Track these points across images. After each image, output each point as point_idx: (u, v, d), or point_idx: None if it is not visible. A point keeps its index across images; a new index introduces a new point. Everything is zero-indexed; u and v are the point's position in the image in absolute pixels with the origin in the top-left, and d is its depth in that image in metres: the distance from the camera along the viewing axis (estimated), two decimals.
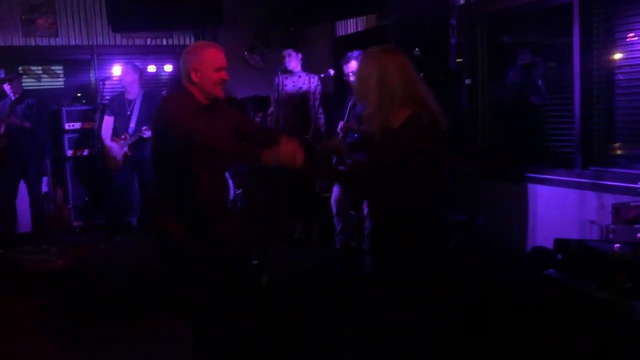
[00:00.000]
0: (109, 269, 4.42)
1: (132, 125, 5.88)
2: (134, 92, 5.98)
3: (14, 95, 6.14)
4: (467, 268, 4.01)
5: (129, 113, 5.92)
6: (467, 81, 3.95)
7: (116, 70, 7.28)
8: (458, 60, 4.01)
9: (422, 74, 4.58)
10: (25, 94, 6.22)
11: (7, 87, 6.13)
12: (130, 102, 5.96)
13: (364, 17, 6.59)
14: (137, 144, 5.86)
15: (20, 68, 7.28)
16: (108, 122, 6.03)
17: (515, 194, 4.85)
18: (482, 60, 5.15)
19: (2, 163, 6.03)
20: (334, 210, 5.21)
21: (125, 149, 5.87)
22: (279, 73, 5.75)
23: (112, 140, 5.96)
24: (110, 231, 6.02)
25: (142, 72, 6.22)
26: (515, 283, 3.72)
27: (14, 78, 6.20)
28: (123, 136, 5.90)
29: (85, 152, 6.64)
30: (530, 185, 4.76)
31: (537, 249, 4.19)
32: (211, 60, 2.81)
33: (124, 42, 7.45)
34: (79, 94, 7.28)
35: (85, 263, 4.61)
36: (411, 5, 3.89)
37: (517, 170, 4.88)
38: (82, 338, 3.99)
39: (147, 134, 5.70)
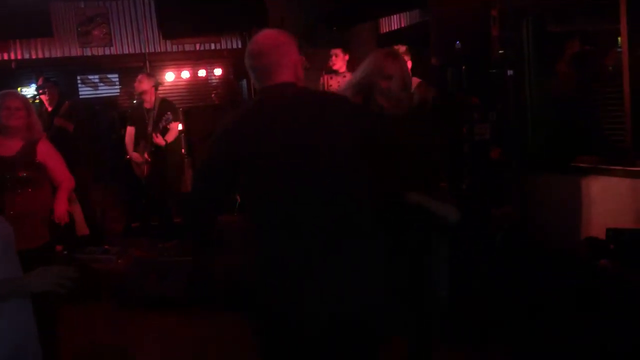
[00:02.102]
0: (170, 268, 4.60)
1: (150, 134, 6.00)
2: (151, 101, 6.09)
3: (49, 105, 6.24)
4: (518, 261, 4.01)
5: (147, 122, 6.05)
6: (510, 72, 3.93)
7: (168, 76, 7.56)
8: (500, 52, 4.01)
9: (464, 67, 4.62)
10: (61, 103, 6.26)
11: (43, 97, 6.25)
12: (148, 111, 6.07)
13: (407, 13, 6.61)
14: (155, 152, 5.97)
15: (78, 77, 7.63)
16: (130, 132, 6.18)
17: (566, 186, 4.78)
18: (527, 51, 5.10)
19: None
20: None
21: (145, 156, 6.01)
22: (324, 73, 5.83)
23: (135, 150, 6.12)
24: (164, 231, 6.23)
25: (157, 81, 6.29)
26: (567, 274, 3.70)
27: (51, 86, 6.25)
28: (142, 144, 6.05)
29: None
30: (581, 176, 4.68)
31: (589, 239, 4.14)
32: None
33: (175, 48, 7.69)
34: (134, 101, 7.57)
35: (146, 262, 4.80)
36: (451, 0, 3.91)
37: (568, 162, 4.82)
38: (145, 334, 4.17)
39: (157, 140, 5.82)
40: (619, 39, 4.31)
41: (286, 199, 1.99)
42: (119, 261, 5.51)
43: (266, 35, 2.21)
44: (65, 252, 5.35)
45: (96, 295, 4.85)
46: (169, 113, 5.91)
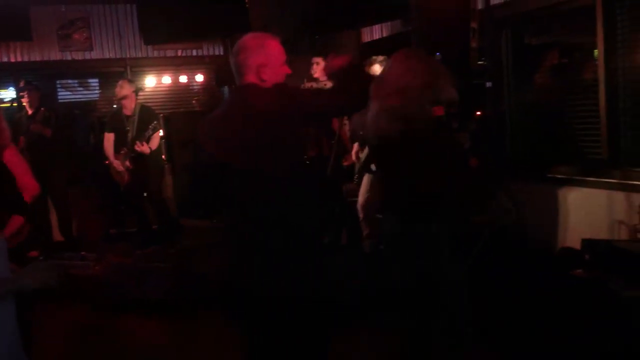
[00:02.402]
0: (147, 274, 4.57)
1: (131, 140, 5.95)
2: (131, 108, 6.04)
3: (30, 108, 6.20)
4: (495, 269, 4.05)
5: (127, 128, 5.99)
6: (489, 84, 3.98)
7: (149, 81, 7.53)
8: (479, 62, 4.06)
9: None
10: (41, 107, 6.22)
11: (23, 100, 6.19)
12: (128, 117, 6.02)
13: (389, 23, 6.66)
14: (137, 159, 5.92)
15: (57, 82, 7.55)
16: (109, 138, 6.11)
17: (542, 195, 4.85)
18: (506, 62, 5.18)
19: None
20: (361, 215, 5.28)
21: (127, 163, 5.96)
22: (305, 81, 5.85)
23: (116, 157, 6.07)
24: (143, 238, 6.19)
25: (138, 87, 6.25)
26: (542, 283, 3.75)
27: (32, 89, 6.22)
28: (122, 151, 5.99)
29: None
30: (558, 186, 4.75)
31: (565, 249, 4.21)
32: (279, 53, 2.53)
33: (156, 54, 7.66)
34: (114, 105, 7.52)
35: (122, 268, 4.76)
36: (432, 11, 3.95)
37: (546, 171, 4.88)
38: (123, 340, 4.13)
39: (142, 149, 5.79)
40: (596, 51, 4.39)
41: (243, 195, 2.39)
42: (96, 267, 5.44)
43: (244, 37, 2.49)
44: (42, 258, 5.29)
45: (72, 301, 4.79)
46: (155, 122, 5.86)
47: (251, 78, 2.42)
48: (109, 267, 5.02)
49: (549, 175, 4.81)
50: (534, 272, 3.83)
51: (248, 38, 2.48)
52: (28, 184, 3.46)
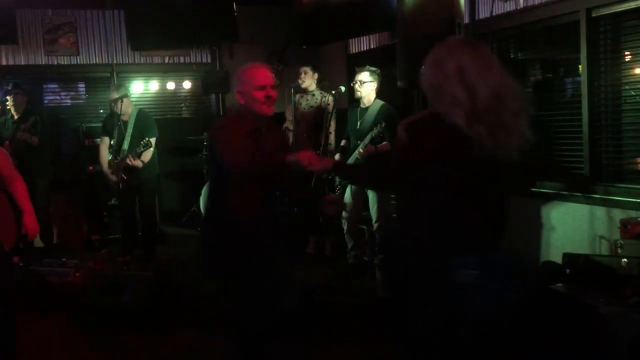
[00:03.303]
0: (126, 282, 4.52)
1: (126, 147, 5.81)
2: (127, 112, 5.88)
3: (16, 112, 6.12)
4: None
5: (123, 134, 5.83)
6: None
7: (136, 87, 7.49)
8: None
9: None
10: (28, 111, 6.16)
11: (9, 102, 6.11)
12: (123, 122, 5.86)
13: (377, 35, 6.70)
14: (131, 170, 5.79)
15: (43, 86, 7.50)
16: (105, 143, 5.97)
17: (525, 209, 4.88)
18: None
19: None
20: (345, 227, 5.28)
21: (121, 173, 5.81)
22: (292, 91, 5.85)
23: (109, 165, 5.92)
24: (125, 245, 6.12)
25: (129, 92, 6.06)
26: (523, 296, 3.75)
27: (18, 93, 6.14)
28: (117, 160, 5.84)
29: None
30: (540, 200, 4.79)
31: (546, 263, 4.22)
32: (252, 79, 2.87)
33: (143, 60, 7.64)
34: (100, 110, 7.48)
35: (102, 276, 4.72)
36: (417, 24, 3.97)
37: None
38: (102, 350, 4.08)
39: (135, 163, 5.68)
40: (579, 67, 4.44)
41: None
42: (77, 274, 5.38)
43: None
44: (21, 264, 5.22)
45: (52, 308, 4.73)
46: (147, 139, 5.72)
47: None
48: (89, 274, 4.96)
49: (533, 190, 4.84)
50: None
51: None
52: (15, 177, 3.48)
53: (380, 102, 5.07)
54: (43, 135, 6.10)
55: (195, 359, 3.89)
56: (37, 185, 6.14)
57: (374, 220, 5.05)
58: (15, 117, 6.15)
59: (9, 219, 3.54)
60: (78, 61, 7.32)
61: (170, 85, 7.79)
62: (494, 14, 4.78)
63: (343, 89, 5.48)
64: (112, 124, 5.90)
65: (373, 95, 5.09)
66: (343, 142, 5.48)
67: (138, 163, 5.69)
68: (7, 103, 6.17)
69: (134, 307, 4.42)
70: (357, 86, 5.08)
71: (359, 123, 5.09)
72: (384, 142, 4.89)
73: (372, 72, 5.08)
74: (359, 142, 5.02)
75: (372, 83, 5.08)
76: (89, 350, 4.08)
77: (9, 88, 6.18)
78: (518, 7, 4.77)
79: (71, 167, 7.00)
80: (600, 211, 4.28)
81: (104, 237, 6.88)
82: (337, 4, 5.83)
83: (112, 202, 6.58)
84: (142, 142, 5.69)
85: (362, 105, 5.13)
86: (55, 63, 7.23)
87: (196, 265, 5.90)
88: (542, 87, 4.96)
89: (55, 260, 5.61)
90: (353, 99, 5.39)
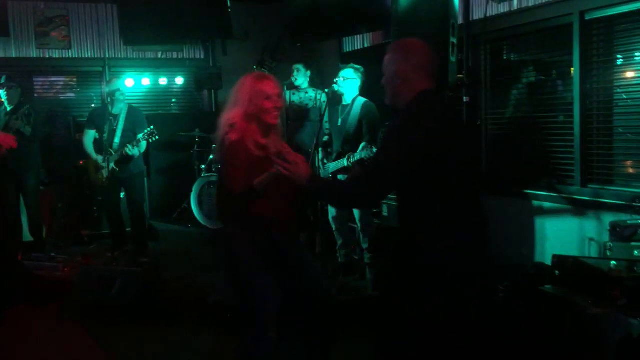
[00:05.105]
0: (115, 277, 4.50)
1: (117, 140, 5.78)
2: (118, 107, 5.87)
3: (9, 104, 6.07)
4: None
5: (114, 128, 5.81)
6: (466, 99, 4.01)
7: (128, 82, 7.45)
8: (459, 76, 4.08)
9: None
10: (21, 104, 6.09)
11: (3, 94, 6.06)
12: (114, 116, 5.84)
13: (371, 34, 6.70)
14: (123, 161, 5.78)
15: (34, 79, 7.45)
16: (89, 135, 5.93)
17: (516, 210, 4.90)
18: (484, 78, 5.24)
19: (0, 173, 5.98)
20: (334, 226, 5.27)
21: (112, 165, 5.79)
22: (285, 88, 5.83)
23: (98, 156, 5.87)
24: (115, 241, 6.09)
25: (120, 88, 5.95)
26: (512, 298, 3.77)
27: (12, 87, 6.10)
28: (105, 152, 5.79)
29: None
30: (531, 202, 4.81)
31: (536, 264, 4.24)
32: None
33: (136, 55, 7.60)
34: (92, 105, 7.44)
35: (91, 271, 4.69)
36: (411, 24, 3.97)
37: (519, 187, 4.93)
38: (90, 344, 4.06)
39: (132, 152, 5.69)
40: (572, 70, 4.46)
41: None
42: (65, 269, 5.36)
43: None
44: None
45: (40, 303, 4.70)
46: (152, 128, 5.71)
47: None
48: (78, 269, 4.94)
49: (523, 191, 4.86)
50: (504, 287, 3.85)
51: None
52: None
53: (362, 100, 5.05)
54: (35, 127, 6.06)
55: (183, 353, 3.87)
56: (28, 178, 6.10)
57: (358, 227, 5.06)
58: (9, 109, 6.11)
59: None
60: (70, 55, 7.28)
61: (163, 81, 7.76)
62: (488, 15, 4.79)
63: (336, 87, 5.46)
64: (102, 118, 5.86)
65: (356, 93, 5.06)
66: (326, 138, 5.41)
67: (136, 152, 5.68)
68: (1, 96, 6.11)
69: (123, 302, 4.40)
70: (340, 82, 5.03)
71: (340, 120, 5.07)
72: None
73: (355, 70, 5.06)
74: (342, 142, 4.98)
75: (355, 81, 5.06)
76: (76, 345, 4.06)
77: (2, 81, 6.13)
78: (512, 9, 4.79)
79: (62, 160, 6.95)
80: (589, 213, 4.31)
81: (93, 232, 6.84)
82: (331, 2, 5.84)
83: (100, 198, 6.54)
84: (146, 131, 5.68)
85: (344, 102, 5.10)
86: (47, 56, 7.18)
87: (186, 261, 5.93)
88: (534, 89, 4.97)
89: (44, 255, 5.59)
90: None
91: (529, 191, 4.83)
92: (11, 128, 5.96)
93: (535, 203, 4.79)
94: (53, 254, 5.64)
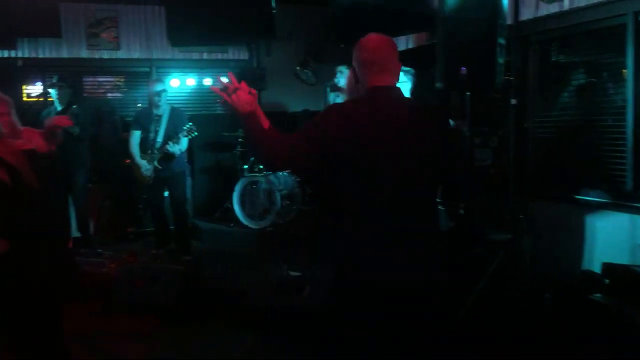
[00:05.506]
0: (158, 276, 4.56)
1: (160, 140, 5.94)
2: (162, 108, 6.02)
3: (60, 104, 6.25)
4: (511, 289, 3.97)
5: (157, 128, 5.98)
6: (513, 101, 3.92)
7: (174, 82, 7.58)
8: (507, 77, 3.99)
9: (468, 93, 4.60)
10: (71, 103, 6.28)
11: (54, 94, 6.25)
12: (158, 117, 6.00)
13: (415, 35, 6.63)
14: (165, 159, 5.92)
15: (84, 79, 7.64)
16: (135, 136, 6.09)
17: (564, 216, 4.77)
18: (532, 80, 5.11)
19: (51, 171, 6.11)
20: None
21: (155, 163, 5.96)
22: (329, 90, 5.82)
23: (142, 157, 6.05)
24: (158, 239, 6.20)
25: (166, 88, 6.19)
26: (560, 306, 3.67)
27: (63, 86, 6.27)
28: (150, 151, 5.99)
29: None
30: (580, 207, 4.67)
31: (584, 272, 4.12)
32: None
33: (181, 55, 7.71)
34: (138, 104, 7.58)
35: (135, 269, 4.77)
36: (458, 24, 3.90)
37: (568, 193, 4.80)
38: (131, 339, 4.13)
39: (173, 149, 5.84)
40: (625, 72, 4.31)
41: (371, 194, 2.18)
42: (111, 265, 5.46)
43: (380, 35, 2.35)
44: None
45: (84, 299, 4.81)
46: (191, 124, 5.85)
47: (392, 79, 2.31)
48: (123, 266, 5.03)
49: (572, 197, 4.73)
50: (551, 294, 3.75)
51: (386, 37, 2.37)
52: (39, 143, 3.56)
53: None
54: (83, 126, 6.22)
55: (223, 352, 3.90)
56: (76, 176, 6.28)
57: None
58: (59, 108, 6.28)
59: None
60: (118, 56, 7.43)
61: (207, 81, 7.85)
62: (538, 15, 4.67)
63: None
64: (147, 118, 6.01)
65: (407, 95, 5.02)
66: None
67: (176, 150, 5.80)
68: (52, 95, 6.30)
69: (165, 301, 4.46)
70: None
71: None
72: None
73: (405, 72, 5.01)
74: None
75: (406, 84, 5.01)
76: (118, 340, 4.13)
77: (54, 81, 6.31)
78: (562, 9, 4.66)
79: (108, 159, 7.11)
80: None
81: (138, 230, 6.97)
82: (375, 2, 5.79)
83: (145, 195, 6.67)
84: (185, 128, 5.79)
85: None
86: (97, 57, 7.35)
87: (227, 260, 5.97)
88: (584, 91, 4.83)
89: (91, 251, 5.71)
90: None
91: (577, 196, 4.69)
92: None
93: (584, 209, 4.65)
94: (100, 251, 5.76)
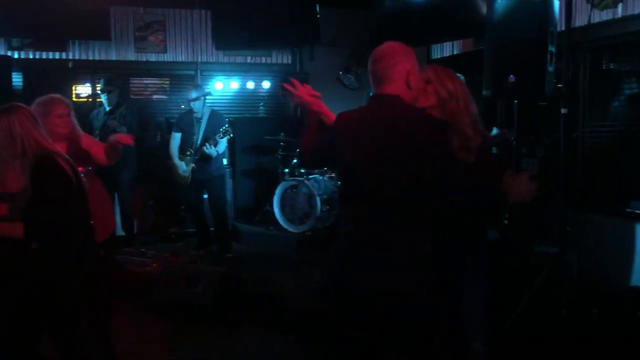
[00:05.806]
0: (199, 276, 4.60)
1: (198, 142, 6.02)
2: (202, 111, 6.12)
3: (108, 105, 6.40)
4: (557, 302, 3.86)
5: (197, 131, 6.05)
6: (564, 110, 3.81)
7: (217, 85, 7.67)
8: (558, 86, 3.88)
9: (516, 101, 4.51)
10: (119, 104, 6.44)
11: (104, 97, 6.40)
12: (198, 120, 6.10)
13: (461, 40, 6.54)
14: (202, 162, 5.99)
15: (131, 81, 7.79)
16: (175, 138, 6.21)
17: (613, 229, 4.62)
18: (583, 88, 4.98)
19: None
20: None
21: (192, 164, 6.02)
22: (370, 94, 5.79)
23: (180, 158, 6.14)
24: (199, 239, 6.27)
25: (207, 91, 6.34)
26: (608, 321, 3.55)
27: (112, 90, 6.43)
28: (188, 152, 6.07)
29: None
30: (630, 220, 4.52)
31: (634, 288, 3.98)
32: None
33: (226, 59, 7.79)
34: (182, 106, 7.69)
35: (176, 269, 4.82)
36: (507, 31, 3.82)
37: (617, 204, 4.65)
38: (170, 339, 4.18)
39: (210, 151, 5.89)
40: None
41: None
42: (154, 265, 5.54)
43: (387, 44, 2.42)
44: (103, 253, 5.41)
45: (126, 297, 4.88)
46: (227, 126, 5.94)
47: (398, 86, 2.35)
48: (165, 266, 5.09)
49: (622, 209, 4.58)
50: (599, 309, 3.63)
51: (395, 44, 2.41)
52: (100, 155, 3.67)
53: None
54: (130, 126, 6.35)
55: (259, 354, 3.90)
56: (123, 176, 6.41)
57: None
58: (107, 109, 6.44)
59: (109, 209, 3.64)
60: (165, 58, 7.56)
61: (250, 85, 7.92)
62: (590, 22, 4.54)
63: None
64: (188, 121, 6.11)
65: None
66: None
67: (213, 151, 5.87)
68: (101, 97, 6.46)
69: (204, 301, 4.49)
70: None
71: None
72: None
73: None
74: None
75: None
76: (156, 338, 4.18)
77: (103, 86, 6.46)
78: (616, 17, 4.53)
79: (153, 159, 7.23)
80: None
81: (180, 230, 7.07)
82: (421, 8, 5.74)
83: (184, 197, 6.76)
84: (221, 129, 5.86)
85: None
86: (144, 60, 7.49)
87: (266, 263, 6.00)
88: (636, 100, 4.68)
89: (135, 250, 5.80)
90: None
91: (628, 209, 4.54)
92: (108, 127, 6.27)
93: (635, 221, 4.49)
94: (143, 250, 5.84)
